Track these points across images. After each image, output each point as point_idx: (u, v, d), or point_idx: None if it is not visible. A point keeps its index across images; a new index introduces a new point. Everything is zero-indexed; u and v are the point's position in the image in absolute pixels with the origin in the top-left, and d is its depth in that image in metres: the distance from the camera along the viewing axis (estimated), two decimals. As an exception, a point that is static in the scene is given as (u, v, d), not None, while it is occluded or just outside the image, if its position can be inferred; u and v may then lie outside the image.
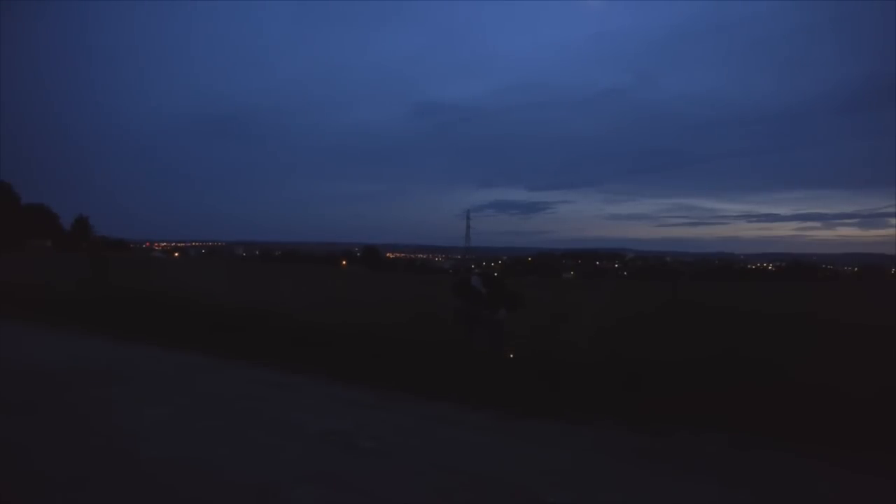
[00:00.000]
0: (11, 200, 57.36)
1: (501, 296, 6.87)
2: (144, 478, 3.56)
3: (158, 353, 7.35)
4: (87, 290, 11.35)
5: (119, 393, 5.50)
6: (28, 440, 4.16)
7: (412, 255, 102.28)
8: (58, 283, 12.58)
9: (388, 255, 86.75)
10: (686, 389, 5.11)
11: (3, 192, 56.75)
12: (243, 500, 3.31)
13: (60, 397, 5.29)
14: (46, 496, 3.32)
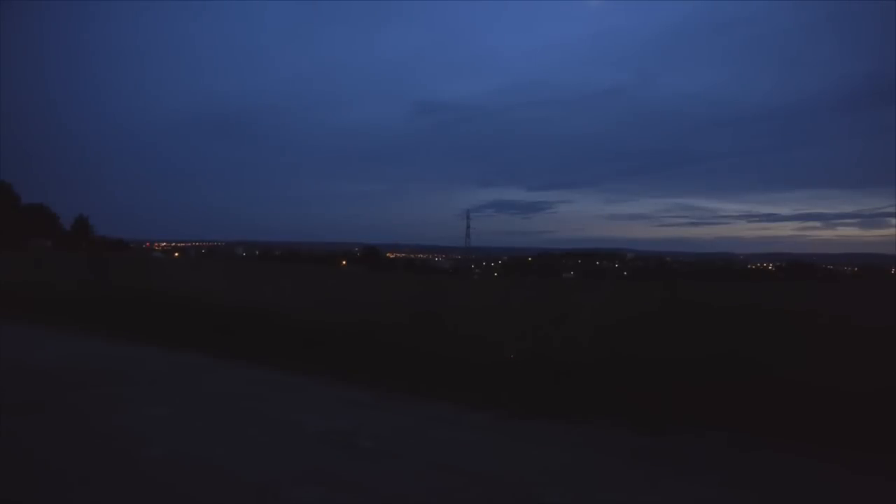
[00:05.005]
0: (11, 200, 57.29)
1: None
2: (145, 476, 3.57)
3: (158, 353, 7.36)
4: (87, 290, 11.36)
5: (120, 392, 5.51)
6: (31, 440, 4.17)
7: (412, 255, 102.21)
8: (58, 283, 12.58)
9: (388, 255, 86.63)
10: (686, 389, 5.11)
11: (3, 192, 56.68)
12: (243, 500, 3.31)
13: (61, 397, 5.30)
14: (49, 494, 3.33)
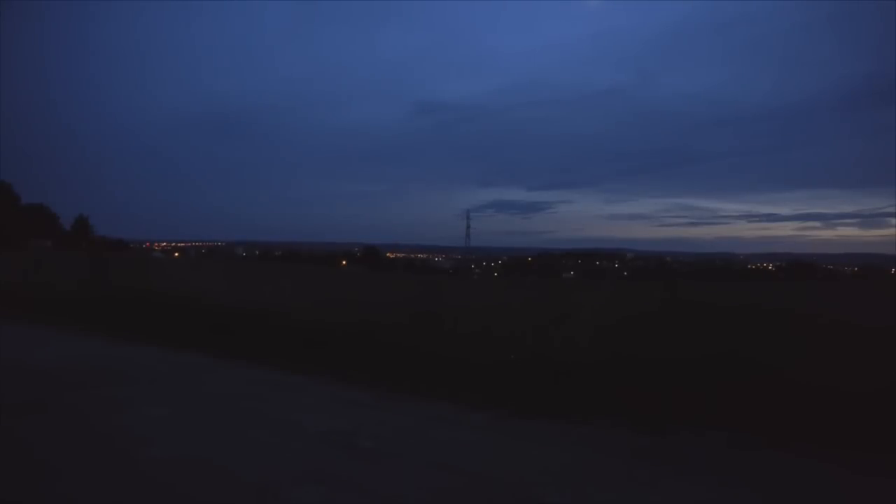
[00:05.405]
0: (11, 200, 57.29)
1: None
2: (145, 476, 3.57)
3: (159, 353, 7.36)
4: (88, 290, 11.36)
5: (120, 392, 5.51)
6: (31, 440, 4.17)
7: (412, 255, 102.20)
8: (58, 283, 12.58)
9: (388, 255, 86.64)
10: (686, 389, 5.11)
11: (3, 192, 56.65)
12: (243, 500, 3.31)
13: (61, 397, 5.29)
14: (49, 495, 3.33)
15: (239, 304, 9.52)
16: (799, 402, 4.66)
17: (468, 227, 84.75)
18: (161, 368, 6.62)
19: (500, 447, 4.28)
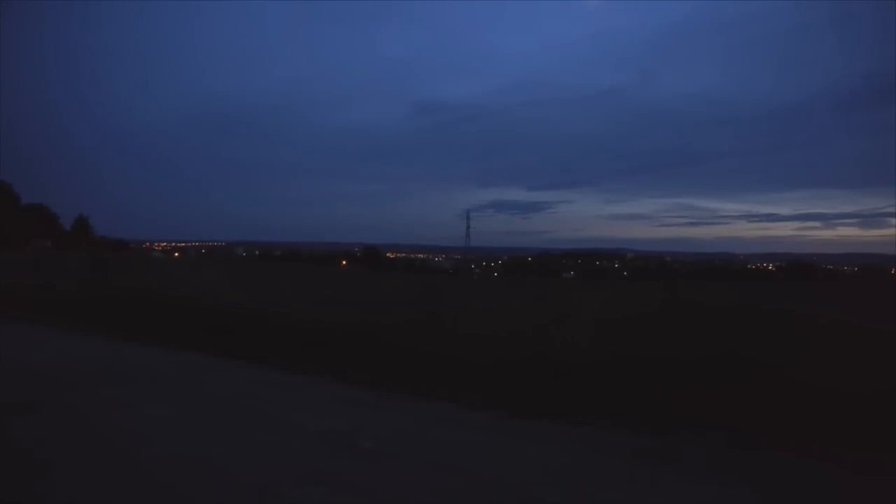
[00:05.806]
0: (11, 200, 57.37)
1: None
2: (145, 477, 3.57)
3: (158, 353, 7.36)
4: (88, 290, 11.35)
5: (120, 393, 5.50)
6: (30, 440, 4.17)
7: (412, 255, 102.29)
8: (58, 283, 12.58)
9: (388, 255, 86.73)
10: (686, 389, 5.11)
11: (3, 192, 56.74)
12: (243, 500, 3.31)
13: (61, 397, 5.30)
14: (48, 495, 3.33)
15: (239, 304, 9.51)
16: (799, 402, 4.66)
17: (468, 227, 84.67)
18: (161, 368, 6.62)
19: (500, 447, 4.28)
